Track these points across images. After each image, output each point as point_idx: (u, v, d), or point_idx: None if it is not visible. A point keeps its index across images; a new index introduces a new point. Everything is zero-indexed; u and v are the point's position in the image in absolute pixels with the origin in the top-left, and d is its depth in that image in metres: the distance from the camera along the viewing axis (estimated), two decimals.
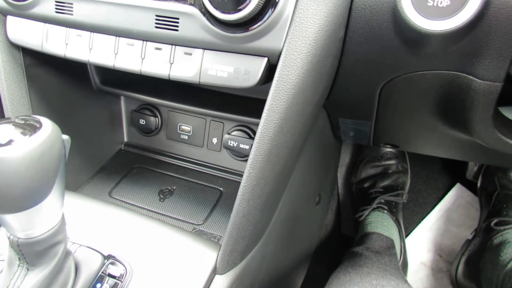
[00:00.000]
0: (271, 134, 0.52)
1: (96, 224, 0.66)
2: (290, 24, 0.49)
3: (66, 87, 0.80)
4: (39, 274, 0.52)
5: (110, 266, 0.60)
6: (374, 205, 1.27)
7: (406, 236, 1.43)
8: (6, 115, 0.71)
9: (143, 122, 0.89)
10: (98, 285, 0.58)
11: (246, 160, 0.82)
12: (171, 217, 0.77)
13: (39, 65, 0.73)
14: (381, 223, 1.22)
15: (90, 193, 0.83)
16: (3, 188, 0.43)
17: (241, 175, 0.82)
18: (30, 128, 0.46)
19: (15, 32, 0.65)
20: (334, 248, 1.44)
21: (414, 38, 0.51)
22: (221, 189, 0.83)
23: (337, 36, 0.52)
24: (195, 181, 0.85)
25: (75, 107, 0.83)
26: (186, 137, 0.88)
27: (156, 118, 0.89)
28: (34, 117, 0.47)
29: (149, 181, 0.85)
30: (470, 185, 1.48)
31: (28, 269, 0.52)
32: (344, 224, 1.53)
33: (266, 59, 0.52)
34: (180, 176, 0.86)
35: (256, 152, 0.53)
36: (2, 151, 0.42)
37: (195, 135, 0.87)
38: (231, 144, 0.80)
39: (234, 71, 0.52)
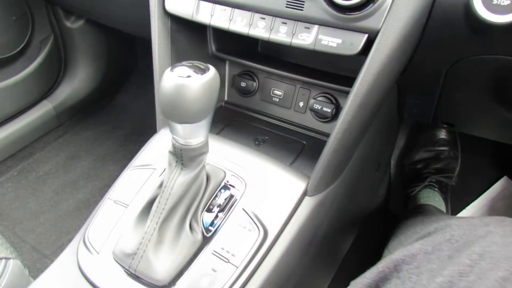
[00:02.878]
0: (365, 89, 0.71)
1: (215, 150, 0.88)
2: (389, 10, 0.68)
3: (194, 50, 1.02)
4: (189, 173, 0.74)
5: (230, 178, 0.82)
6: (426, 183, 1.42)
7: None
8: (155, 67, 0.95)
9: (244, 84, 1.10)
10: (222, 190, 0.81)
11: (326, 122, 1.02)
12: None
13: (180, 31, 0.96)
14: (432, 199, 1.38)
15: None
16: (186, 105, 0.65)
17: (320, 133, 1.03)
18: (200, 69, 0.67)
19: (172, 4, 0.88)
20: (379, 221, 1.60)
21: (480, 27, 0.68)
22: (304, 142, 1.02)
23: (422, 22, 0.70)
24: (283, 134, 1.05)
25: None
26: (277, 100, 1.08)
27: (254, 82, 1.10)
28: (202, 63, 0.69)
29: (246, 130, 1.06)
30: None
31: (182, 169, 0.74)
32: (392, 201, 1.69)
33: (366, 35, 0.71)
34: (271, 130, 1.07)
35: (351, 103, 0.73)
36: (187, 80, 0.64)
37: (285, 98, 1.07)
38: (316, 107, 1.00)
39: (342, 42, 0.72)
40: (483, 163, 1.69)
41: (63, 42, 1.89)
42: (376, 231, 1.54)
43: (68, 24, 1.82)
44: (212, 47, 1.07)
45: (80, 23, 1.83)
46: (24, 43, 1.72)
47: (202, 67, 0.68)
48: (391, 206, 1.68)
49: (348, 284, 1.02)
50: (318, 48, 0.74)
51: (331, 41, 0.73)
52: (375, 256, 0.97)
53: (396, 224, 1.10)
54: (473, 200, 1.63)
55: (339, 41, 0.72)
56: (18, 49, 1.71)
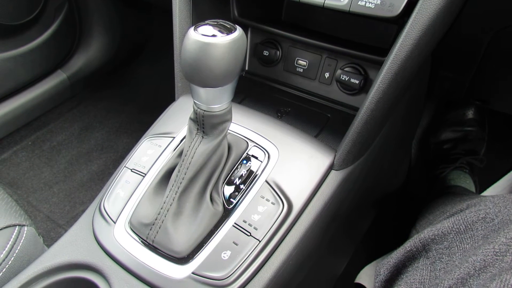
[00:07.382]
0: (404, 56, 0.65)
1: (237, 120, 0.83)
2: None
3: (215, 15, 0.97)
4: (210, 142, 0.70)
5: (253, 149, 0.78)
6: (457, 164, 1.36)
7: None
8: (175, 31, 0.90)
9: (267, 53, 1.05)
10: (244, 161, 0.77)
11: (353, 95, 0.97)
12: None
13: None
14: (463, 181, 1.32)
15: None
16: (211, 66, 0.60)
17: (346, 106, 0.97)
18: (226, 28, 0.62)
19: None
20: (398, 202, 1.55)
21: None
22: (328, 115, 0.97)
23: None
24: (307, 106, 1.00)
25: None
26: (301, 70, 1.03)
27: (278, 51, 1.04)
28: (227, 22, 0.64)
29: (268, 102, 1.01)
30: None
31: (203, 137, 0.70)
32: (413, 182, 1.63)
33: None
34: (294, 101, 1.02)
35: (387, 70, 0.67)
36: (213, 39, 0.59)
37: (309, 69, 1.02)
38: (343, 78, 0.94)
39: (380, 3, 0.66)
40: (508, 147, 1.63)
41: (78, 10, 1.84)
42: (395, 212, 1.50)
43: None
44: (235, 12, 1.01)
45: None
46: (38, 10, 1.68)
47: (228, 26, 0.63)
48: (411, 187, 1.63)
49: (364, 266, 0.98)
50: (354, 9, 0.68)
51: (369, 2, 0.67)
52: (393, 238, 0.93)
53: (423, 203, 1.05)
54: (496, 181, 1.59)
55: (378, 1, 0.66)
56: (32, 16, 1.66)
